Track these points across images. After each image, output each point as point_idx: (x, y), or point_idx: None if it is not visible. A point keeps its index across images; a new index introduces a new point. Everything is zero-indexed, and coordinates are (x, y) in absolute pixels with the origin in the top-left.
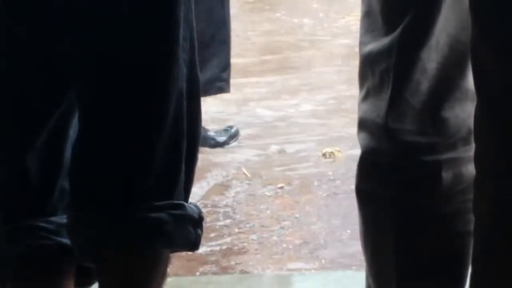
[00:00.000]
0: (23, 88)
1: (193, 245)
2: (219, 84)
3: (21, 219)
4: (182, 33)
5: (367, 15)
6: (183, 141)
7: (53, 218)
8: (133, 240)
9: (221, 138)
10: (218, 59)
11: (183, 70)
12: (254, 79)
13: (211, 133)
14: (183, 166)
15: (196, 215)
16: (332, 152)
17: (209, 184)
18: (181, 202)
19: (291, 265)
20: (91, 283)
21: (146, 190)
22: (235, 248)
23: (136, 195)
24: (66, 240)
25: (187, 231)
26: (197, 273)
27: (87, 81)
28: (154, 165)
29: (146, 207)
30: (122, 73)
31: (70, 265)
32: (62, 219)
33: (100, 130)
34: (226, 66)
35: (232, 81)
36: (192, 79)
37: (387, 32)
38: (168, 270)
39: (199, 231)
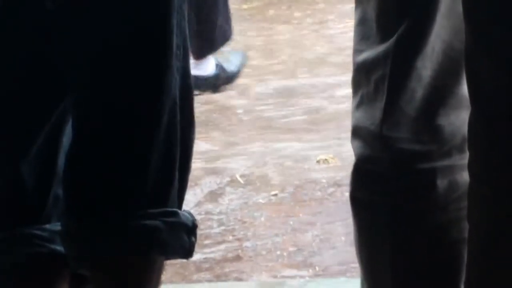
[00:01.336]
0: (19, 93)
1: (187, 252)
2: (227, 35)
3: (15, 227)
4: (175, 41)
5: (361, 22)
6: (177, 149)
7: (47, 226)
8: (127, 248)
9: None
10: (222, 16)
11: (176, 78)
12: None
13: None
14: (177, 174)
15: (190, 223)
16: (326, 159)
17: (203, 191)
18: (175, 209)
19: (285, 272)
20: None
21: (140, 198)
22: (229, 255)
23: (130, 203)
24: (60, 248)
25: (181, 238)
26: (192, 281)
27: (80, 90)
28: (148, 173)
29: (140, 215)
30: (115, 82)
31: (64, 273)
32: (56, 226)
33: (93, 138)
34: (228, 19)
35: None
36: (185, 87)
37: (382, 40)
38: (163, 277)
39: (193, 239)
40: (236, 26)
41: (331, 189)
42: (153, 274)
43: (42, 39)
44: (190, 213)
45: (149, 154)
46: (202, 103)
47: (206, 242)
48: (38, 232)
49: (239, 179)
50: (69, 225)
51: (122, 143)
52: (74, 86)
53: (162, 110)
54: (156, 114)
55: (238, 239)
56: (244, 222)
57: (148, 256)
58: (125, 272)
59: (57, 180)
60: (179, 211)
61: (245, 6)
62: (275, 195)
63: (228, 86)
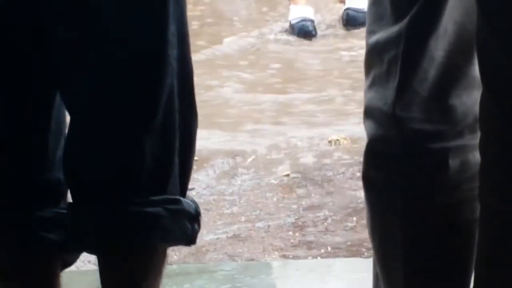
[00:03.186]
0: (14, 86)
1: (190, 240)
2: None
3: (9, 212)
4: (170, 29)
5: (375, 3)
6: (175, 136)
7: (41, 211)
8: (129, 234)
9: None
10: None
11: (172, 66)
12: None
13: None
14: (176, 160)
15: (193, 211)
16: (337, 140)
17: (215, 172)
18: (177, 197)
19: (297, 253)
20: (71, 263)
21: (139, 185)
22: (242, 235)
23: (130, 191)
24: (51, 235)
25: (184, 225)
26: (204, 261)
27: (75, 81)
28: (145, 161)
29: (141, 202)
30: (109, 69)
31: (55, 259)
32: (49, 212)
33: (90, 127)
34: None
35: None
36: (185, 74)
37: (396, 21)
38: (176, 257)
39: (196, 226)
40: None
41: (343, 169)
42: (155, 260)
43: (40, 17)
44: (193, 201)
45: (145, 142)
46: None
47: (219, 222)
48: (33, 218)
49: (251, 160)
50: (72, 211)
51: (117, 132)
52: (68, 75)
53: (158, 99)
54: (151, 103)
55: (250, 220)
56: (256, 203)
57: (149, 242)
58: (126, 258)
59: (49, 165)
60: (182, 198)
61: None
62: (287, 175)
63: None
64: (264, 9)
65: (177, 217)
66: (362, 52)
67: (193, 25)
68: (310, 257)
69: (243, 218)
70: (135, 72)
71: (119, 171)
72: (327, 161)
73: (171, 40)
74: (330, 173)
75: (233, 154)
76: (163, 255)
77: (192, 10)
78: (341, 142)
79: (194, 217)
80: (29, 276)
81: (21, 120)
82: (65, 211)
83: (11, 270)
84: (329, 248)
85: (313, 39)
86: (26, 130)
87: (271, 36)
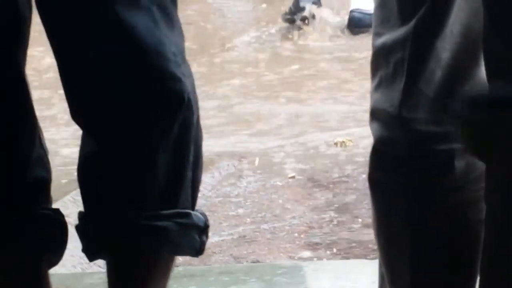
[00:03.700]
0: None
1: (197, 251)
2: None
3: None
4: (170, 50)
5: (382, 5)
6: (189, 151)
7: (29, 210)
8: (138, 247)
9: None
10: None
11: (185, 83)
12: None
13: None
14: (190, 174)
15: (202, 224)
16: (343, 142)
17: (221, 174)
18: (188, 211)
19: (303, 254)
20: (56, 262)
21: (152, 199)
22: (247, 237)
23: (142, 204)
24: (40, 235)
25: (192, 238)
26: (209, 263)
27: (90, 100)
28: (158, 173)
29: (152, 216)
30: (126, 87)
31: (45, 258)
32: (38, 210)
33: (106, 141)
34: None
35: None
36: (192, 88)
37: (402, 23)
38: (181, 259)
39: (204, 238)
40: None
41: (348, 171)
42: (163, 263)
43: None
44: (203, 213)
45: (159, 154)
46: None
47: (224, 224)
48: (18, 218)
49: (257, 162)
50: (84, 219)
51: (132, 146)
52: (85, 96)
53: (176, 115)
54: (169, 119)
55: (256, 222)
56: (262, 205)
57: (157, 255)
58: (133, 260)
59: (28, 162)
60: (191, 212)
61: None
62: (293, 177)
63: None
64: (268, 8)
65: (186, 231)
66: (368, 54)
67: (195, 25)
68: (315, 259)
69: (248, 220)
70: (149, 90)
71: (134, 185)
72: (332, 162)
73: (175, 59)
74: (335, 175)
75: (238, 156)
76: (171, 259)
77: (194, 9)
78: (347, 144)
79: (202, 230)
80: (18, 275)
81: (3, 121)
82: (49, 211)
83: (3, 269)
84: (334, 250)
85: (319, 40)
86: (9, 131)
87: (275, 36)
